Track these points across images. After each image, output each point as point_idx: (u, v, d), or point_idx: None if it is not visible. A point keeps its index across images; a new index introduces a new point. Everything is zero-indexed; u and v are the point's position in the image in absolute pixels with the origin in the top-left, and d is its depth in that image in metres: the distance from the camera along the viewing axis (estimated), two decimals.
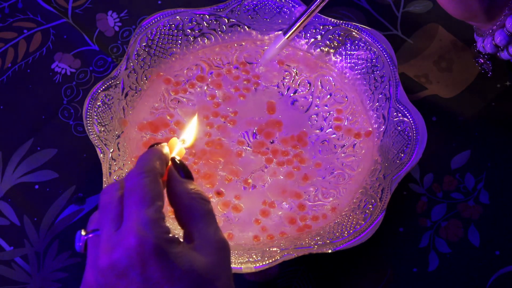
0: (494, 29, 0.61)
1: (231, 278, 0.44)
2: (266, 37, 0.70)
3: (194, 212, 0.44)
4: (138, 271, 0.40)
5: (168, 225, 0.42)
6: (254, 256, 0.56)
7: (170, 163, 0.47)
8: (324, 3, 0.64)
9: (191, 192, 0.45)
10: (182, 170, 0.46)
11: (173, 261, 0.41)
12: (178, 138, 0.50)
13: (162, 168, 0.46)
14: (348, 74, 0.68)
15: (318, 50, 0.69)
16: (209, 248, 0.43)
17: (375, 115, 0.65)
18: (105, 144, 0.61)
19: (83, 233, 0.44)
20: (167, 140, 0.50)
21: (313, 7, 0.64)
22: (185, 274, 0.41)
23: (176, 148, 0.49)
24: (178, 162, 0.47)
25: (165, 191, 0.46)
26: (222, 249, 0.44)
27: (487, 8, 0.59)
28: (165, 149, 0.47)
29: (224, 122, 0.66)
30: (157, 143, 0.48)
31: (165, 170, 0.46)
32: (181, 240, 0.43)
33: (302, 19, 0.65)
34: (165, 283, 0.40)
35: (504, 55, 0.62)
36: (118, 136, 0.63)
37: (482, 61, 0.66)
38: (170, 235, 0.42)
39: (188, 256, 0.42)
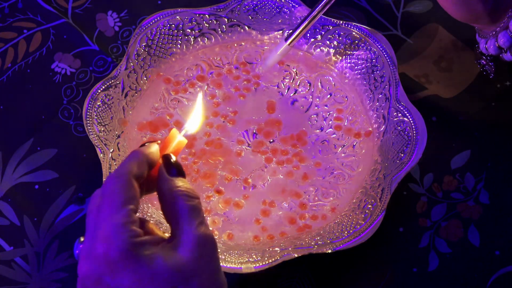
0: (498, 30, 0.61)
1: (216, 273, 0.44)
2: (266, 37, 0.70)
3: (177, 210, 0.44)
4: (109, 278, 0.41)
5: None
6: (254, 256, 0.56)
7: (160, 161, 0.47)
8: (327, 8, 0.63)
9: (176, 190, 0.45)
10: (173, 167, 0.46)
11: (142, 263, 0.41)
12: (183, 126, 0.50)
13: (140, 169, 0.45)
14: (348, 74, 0.68)
15: (318, 50, 0.69)
16: (188, 245, 0.43)
17: (375, 115, 0.65)
18: (105, 144, 0.61)
19: (81, 239, 0.45)
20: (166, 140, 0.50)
21: (314, 13, 0.64)
22: (156, 275, 0.41)
23: (175, 141, 0.48)
24: (168, 160, 0.47)
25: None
26: (203, 245, 0.43)
27: (491, 10, 0.59)
28: (151, 148, 0.47)
29: (224, 122, 0.66)
30: (147, 142, 0.47)
31: (147, 171, 0.46)
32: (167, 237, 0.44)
33: (303, 25, 0.64)
34: (137, 287, 0.41)
35: (507, 56, 0.62)
36: (118, 136, 0.63)
37: (484, 62, 0.66)
38: (143, 238, 0.42)
39: (161, 256, 0.42)
